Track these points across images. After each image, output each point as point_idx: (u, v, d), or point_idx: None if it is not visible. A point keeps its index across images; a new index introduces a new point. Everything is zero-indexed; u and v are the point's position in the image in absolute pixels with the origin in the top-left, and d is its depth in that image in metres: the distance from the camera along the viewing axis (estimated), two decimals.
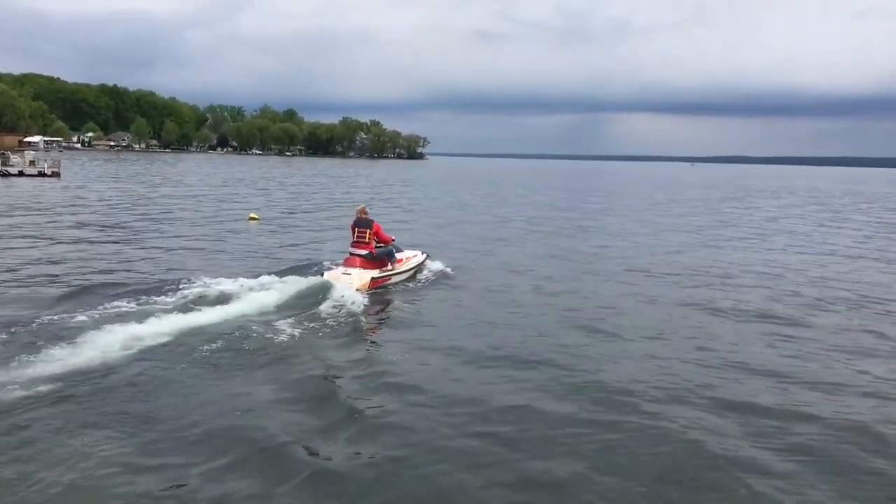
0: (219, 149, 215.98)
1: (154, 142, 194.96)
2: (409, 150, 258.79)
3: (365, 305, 12.66)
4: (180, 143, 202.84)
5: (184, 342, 9.59)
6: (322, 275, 14.02)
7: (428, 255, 16.75)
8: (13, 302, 11.61)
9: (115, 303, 11.40)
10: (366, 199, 41.45)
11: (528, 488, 6.07)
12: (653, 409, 7.79)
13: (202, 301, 11.83)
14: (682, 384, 8.72)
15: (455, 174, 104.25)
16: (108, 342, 9.30)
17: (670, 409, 7.90)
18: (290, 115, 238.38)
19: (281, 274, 14.21)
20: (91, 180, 48.79)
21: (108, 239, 19.69)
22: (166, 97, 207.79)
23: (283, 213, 30.43)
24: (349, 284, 13.48)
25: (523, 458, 6.60)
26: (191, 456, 6.41)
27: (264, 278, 13.62)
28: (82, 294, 12.11)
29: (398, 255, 15.34)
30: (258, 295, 12.40)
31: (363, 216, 14.63)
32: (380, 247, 14.64)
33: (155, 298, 11.82)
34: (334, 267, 14.61)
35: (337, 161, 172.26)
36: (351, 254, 14.47)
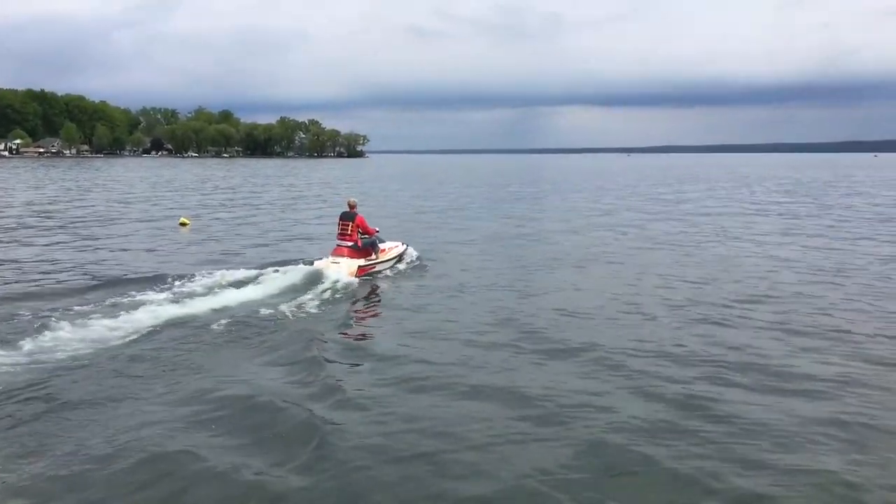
0: (153, 152, 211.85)
1: (85, 147, 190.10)
2: (349, 148, 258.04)
3: (353, 291, 13.95)
4: (113, 148, 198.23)
5: (178, 330, 10.54)
6: (312, 264, 15.17)
7: (408, 245, 18.07)
8: None
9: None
10: (301, 197, 42.17)
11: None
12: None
13: (194, 292, 12.98)
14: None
15: (394, 172, 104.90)
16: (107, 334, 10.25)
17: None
18: (226, 116, 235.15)
19: (273, 265, 15.37)
20: (15, 187, 48.07)
21: (46, 241, 20.03)
22: (96, 101, 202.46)
23: (215, 216, 30.40)
24: (338, 272, 14.60)
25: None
26: (188, 428, 7.13)
27: (255, 270, 14.85)
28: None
29: (381, 246, 16.54)
30: (251, 285, 13.62)
31: (349, 210, 15.86)
32: (364, 237, 15.86)
33: (143, 292, 12.84)
34: (323, 257, 15.69)
35: (276, 162, 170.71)
36: (338, 245, 15.65)
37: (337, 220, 16.07)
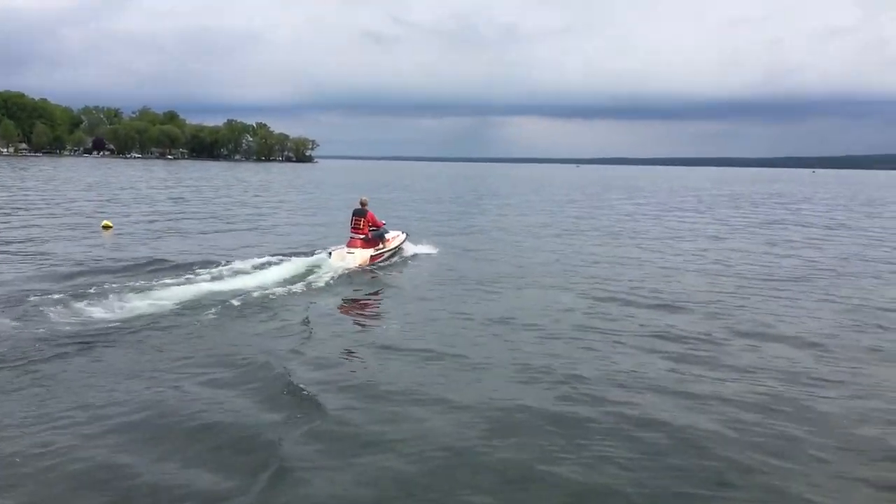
0: (95, 152, 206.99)
1: (24, 146, 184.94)
2: (298, 153, 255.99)
3: (367, 275, 16.69)
4: (53, 147, 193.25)
5: (203, 306, 12.49)
6: (330, 255, 17.39)
7: (407, 235, 20.88)
8: None
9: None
10: (238, 202, 42.07)
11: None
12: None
13: (227, 274, 15.43)
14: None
15: (341, 179, 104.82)
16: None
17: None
18: (172, 117, 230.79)
19: (294, 255, 18.10)
20: None
21: None
22: (37, 98, 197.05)
23: (143, 218, 30.12)
24: (353, 261, 17.20)
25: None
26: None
27: (279, 258, 17.51)
28: None
29: (387, 236, 19.15)
30: (275, 269, 16.03)
31: (361, 207, 18.32)
32: (373, 230, 18.37)
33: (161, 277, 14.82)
34: (339, 248, 17.89)
35: (221, 164, 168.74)
36: (352, 237, 18.08)
37: (350, 215, 18.45)
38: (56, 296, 12.76)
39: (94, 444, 7.00)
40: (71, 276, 15.50)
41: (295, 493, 6.13)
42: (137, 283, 14.14)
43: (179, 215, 32.33)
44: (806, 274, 18.52)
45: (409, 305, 14.00)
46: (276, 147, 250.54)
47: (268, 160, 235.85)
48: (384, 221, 19.26)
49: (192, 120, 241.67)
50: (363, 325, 12.46)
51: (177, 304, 12.61)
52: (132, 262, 17.35)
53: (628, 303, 14.31)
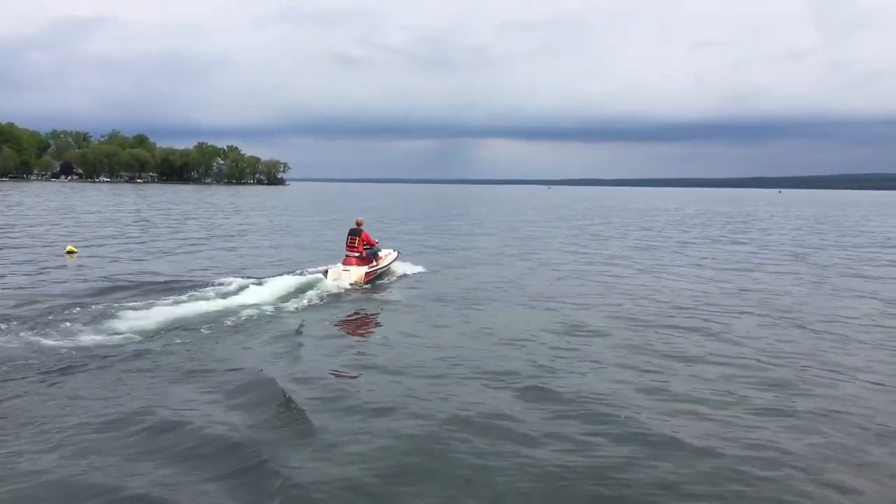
0: (63, 177, 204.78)
1: None
2: (270, 175, 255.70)
3: (361, 293, 17.39)
4: (20, 171, 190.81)
5: (211, 321, 13.11)
6: (326, 273, 18.14)
7: (399, 253, 22.11)
8: None
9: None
10: (207, 225, 41.91)
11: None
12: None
13: (225, 293, 15.92)
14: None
15: (311, 200, 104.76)
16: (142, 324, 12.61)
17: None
18: (141, 140, 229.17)
19: (291, 272, 18.70)
20: None
21: None
22: (3, 123, 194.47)
23: (108, 242, 29.84)
24: (348, 278, 18.11)
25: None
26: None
27: (272, 276, 17.96)
28: None
29: (380, 254, 20.15)
30: (272, 287, 16.24)
31: (357, 227, 19.33)
32: (367, 248, 19.26)
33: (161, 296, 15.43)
34: (336, 266, 18.81)
35: (191, 188, 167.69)
36: (347, 255, 19.03)
37: (346, 235, 19.46)
38: (21, 322, 12.69)
39: (85, 462, 7.13)
40: (36, 300, 15.29)
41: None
42: (118, 306, 14.15)
43: (146, 238, 32.19)
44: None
45: (397, 321, 14.53)
46: (248, 170, 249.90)
47: (239, 183, 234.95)
48: (377, 240, 20.20)
49: (163, 143, 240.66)
50: (356, 342, 12.81)
51: (171, 324, 12.86)
52: (104, 286, 17.28)
53: (613, 317, 14.94)
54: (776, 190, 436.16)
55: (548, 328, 13.77)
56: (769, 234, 42.44)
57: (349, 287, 17.72)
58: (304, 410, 8.50)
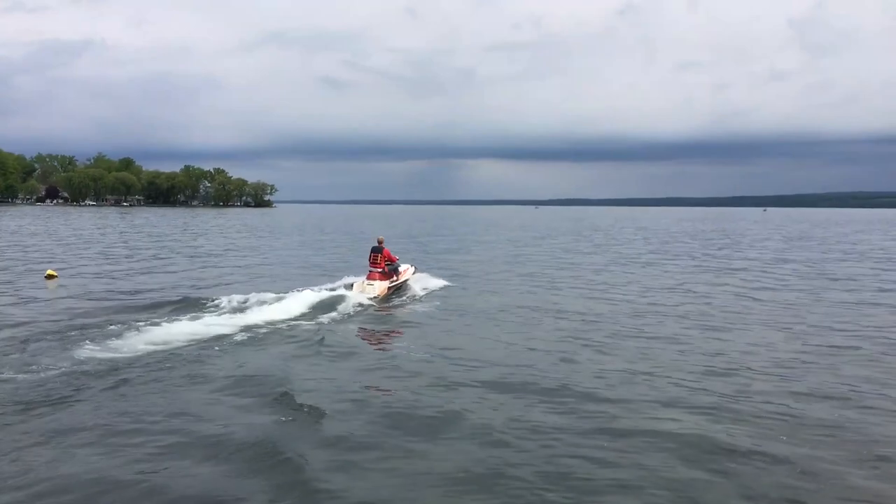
0: (48, 201, 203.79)
1: None
2: (257, 197, 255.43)
3: (382, 306, 18.71)
4: (4, 196, 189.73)
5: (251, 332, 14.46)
6: (352, 287, 19.92)
7: (416, 268, 23.71)
8: None
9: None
10: (184, 248, 41.75)
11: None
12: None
13: (250, 307, 17.08)
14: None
15: (296, 221, 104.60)
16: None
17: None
18: (127, 163, 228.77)
19: (317, 287, 20.10)
20: None
21: None
22: None
23: (91, 266, 29.48)
24: (372, 291, 19.57)
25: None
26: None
27: (302, 290, 19.10)
28: None
29: (400, 269, 21.71)
30: (299, 300, 17.56)
31: (378, 244, 20.84)
32: (388, 264, 20.86)
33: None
34: (360, 281, 20.43)
35: (177, 210, 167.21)
36: (370, 271, 20.54)
37: (369, 252, 21.00)
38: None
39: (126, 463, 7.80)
40: (24, 324, 15.48)
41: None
42: (134, 322, 15.06)
43: (128, 260, 32.03)
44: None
45: (417, 333, 15.44)
46: (235, 192, 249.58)
47: (226, 205, 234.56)
48: (397, 257, 21.94)
49: (149, 166, 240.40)
50: (379, 352, 13.71)
51: (203, 336, 13.91)
52: (110, 305, 18.06)
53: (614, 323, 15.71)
54: (761, 209, 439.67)
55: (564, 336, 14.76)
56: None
57: (372, 300, 19.12)
58: (329, 418, 9.12)
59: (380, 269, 20.54)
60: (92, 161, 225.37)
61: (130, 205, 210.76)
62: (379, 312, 18.01)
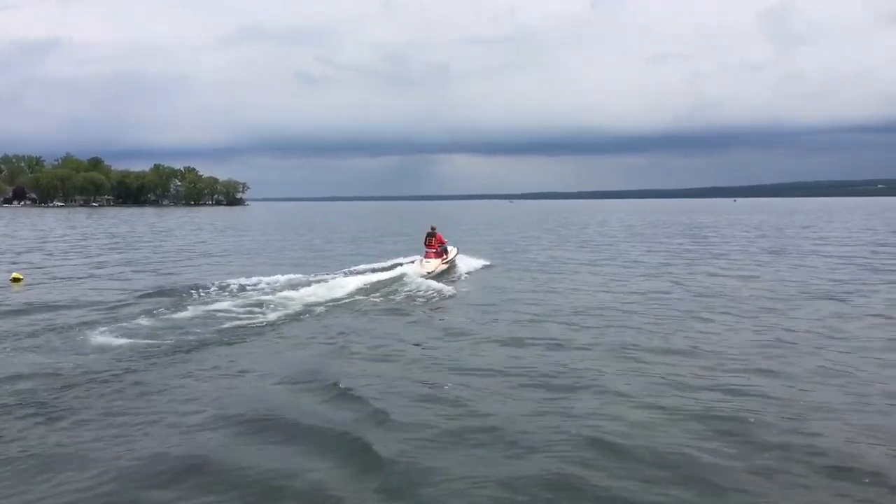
0: (15, 202, 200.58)
1: None
2: (229, 196, 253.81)
3: (438, 278, 23.31)
4: None
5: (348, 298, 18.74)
6: (414, 262, 25.42)
7: (458, 250, 28.56)
8: None
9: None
10: (147, 246, 41.33)
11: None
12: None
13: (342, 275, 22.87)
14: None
15: (266, 219, 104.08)
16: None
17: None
18: (96, 163, 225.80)
19: (387, 262, 26.48)
20: None
21: None
22: None
23: (55, 268, 28.99)
24: (429, 267, 24.49)
25: None
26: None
27: (366, 266, 25.76)
28: None
29: (448, 249, 26.97)
30: (366, 279, 22.29)
31: (431, 230, 26.38)
32: (440, 245, 26.13)
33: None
34: (419, 259, 25.43)
35: (147, 210, 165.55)
36: (427, 251, 25.67)
37: (424, 236, 26.39)
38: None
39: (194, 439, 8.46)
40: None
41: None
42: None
43: (100, 260, 31.73)
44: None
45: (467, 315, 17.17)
46: (206, 191, 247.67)
47: (197, 204, 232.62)
48: (447, 240, 27.20)
49: (120, 166, 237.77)
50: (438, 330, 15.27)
51: (292, 310, 16.97)
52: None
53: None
54: (731, 199, 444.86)
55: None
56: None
57: (429, 273, 23.75)
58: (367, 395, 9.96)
59: (434, 250, 25.67)
60: (60, 161, 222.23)
61: (100, 205, 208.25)
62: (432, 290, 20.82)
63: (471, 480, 7.17)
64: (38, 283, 24.12)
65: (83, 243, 46.60)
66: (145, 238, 53.00)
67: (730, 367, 11.59)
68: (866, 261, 29.94)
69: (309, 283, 20.79)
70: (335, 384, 10.42)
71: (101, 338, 13.49)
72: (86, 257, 35.44)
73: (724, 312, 16.94)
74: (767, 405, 9.55)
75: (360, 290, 20.08)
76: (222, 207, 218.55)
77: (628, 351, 12.90)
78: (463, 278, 24.63)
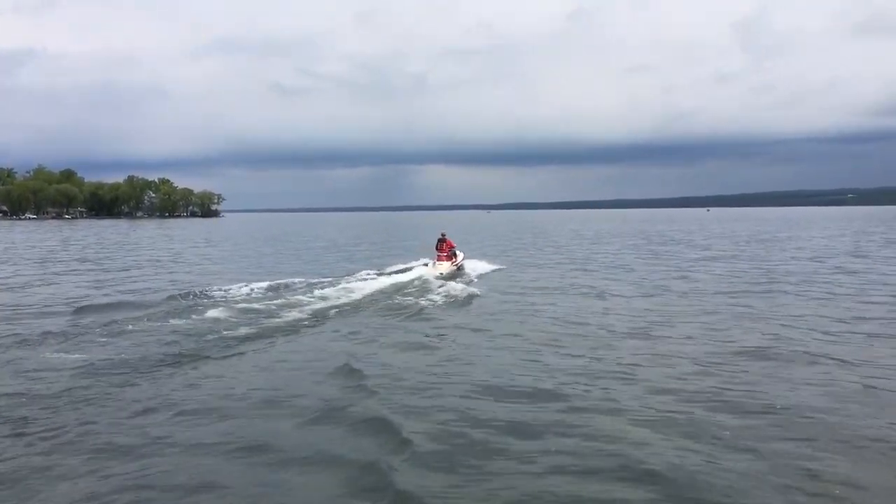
0: None
1: None
2: (204, 207, 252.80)
3: (447, 279, 25.67)
4: None
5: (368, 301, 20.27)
6: (426, 265, 28.79)
7: (465, 255, 31.31)
8: None
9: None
10: (122, 256, 41.57)
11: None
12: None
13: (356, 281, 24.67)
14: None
15: (235, 231, 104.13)
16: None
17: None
18: (69, 175, 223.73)
19: (399, 266, 30.07)
20: None
21: None
22: None
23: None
24: (441, 269, 27.44)
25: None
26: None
27: (381, 272, 28.01)
28: None
29: (457, 253, 29.62)
30: (388, 278, 25.50)
31: (442, 236, 29.50)
32: (450, 250, 29.01)
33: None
34: (431, 262, 28.84)
35: (121, 222, 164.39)
36: (438, 255, 28.85)
37: (436, 241, 29.61)
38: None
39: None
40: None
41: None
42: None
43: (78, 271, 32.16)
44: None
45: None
46: (181, 202, 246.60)
47: (171, 216, 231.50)
48: (455, 244, 30.10)
49: (93, 177, 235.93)
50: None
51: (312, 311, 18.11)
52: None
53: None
54: (705, 209, 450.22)
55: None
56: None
57: (441, 275, 26.48)
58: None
59: (444, 254, 28.78)
60: (32, 173, 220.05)
61: (73, 217, 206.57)
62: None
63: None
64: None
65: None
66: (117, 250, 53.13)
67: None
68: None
69: (324, 286, 22.87)
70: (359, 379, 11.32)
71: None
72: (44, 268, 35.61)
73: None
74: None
75: (379, 292, 22.11)
76: (196, 219, 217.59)
77: (668, 359, 12.86)
78: (475, 280, 26.75)
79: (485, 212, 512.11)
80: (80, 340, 14.39)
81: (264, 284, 23.13)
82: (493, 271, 30.31)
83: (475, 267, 30.53)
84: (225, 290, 21.87)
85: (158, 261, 40.06)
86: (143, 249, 52.82)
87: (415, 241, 60.32)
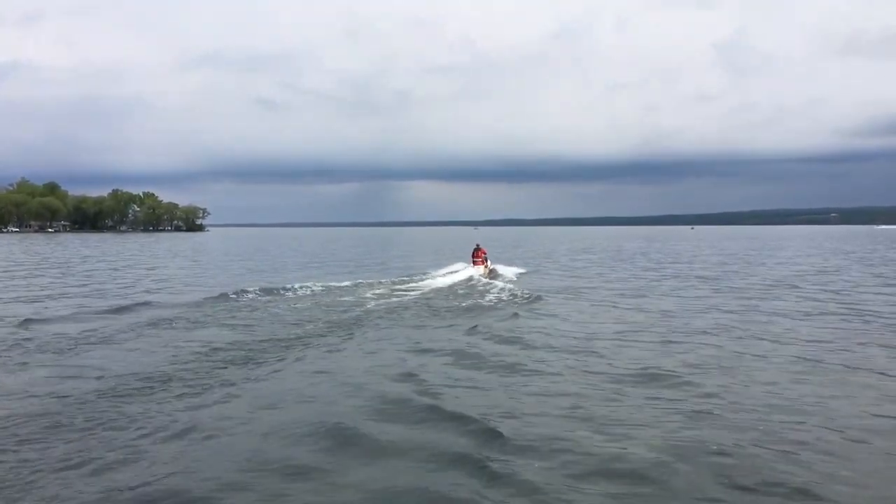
0: None
1: None
2: (188, 221, 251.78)
3: (485, 281, 30.53)
4: None
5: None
6: (466, 268, 34.11)
7: (492, 261, 36.93)
8: None
9: None
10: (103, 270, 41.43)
11: None
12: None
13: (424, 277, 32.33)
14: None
15: (217, 246, 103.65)
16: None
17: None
18: (52, 188, 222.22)
19: (450, 268, 35.39)
20: None
21: None
22: None
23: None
24: (478, 272, 32.86)
25: None
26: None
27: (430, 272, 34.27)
28: None
29: (488, 259, 35.90)
30: (434, 280, 30.77)
31: (477, 246, 36.77)
32: (484, 255, 35.49)
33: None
34: (471, 265, 34.50)
35: (104, 236, 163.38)
36: (474, 261, 34.94)
37: (473, 249, 36.45)
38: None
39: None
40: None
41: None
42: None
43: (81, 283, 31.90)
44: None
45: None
46: (165, 216, 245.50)
47: (156, 230, 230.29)
48: (486, 251, 36.94)
49: (78, 191, 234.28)
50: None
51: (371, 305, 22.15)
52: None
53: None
54: (689, 227, 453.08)
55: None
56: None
57: (482, 275, 32.26)
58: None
59: (480, 259, 34.95)
60: (14, 186, 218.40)
61: (56, 230, 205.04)
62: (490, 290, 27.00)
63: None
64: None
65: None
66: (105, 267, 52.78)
67: None
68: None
69: (378, 286, 27.89)
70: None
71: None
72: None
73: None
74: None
75: (436, 291, 26.66)
76: (180, 233, 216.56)
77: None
78: (515, 279, 33.11)
79: (473, 228, 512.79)
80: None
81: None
82: (521, 274, 36.11)
83: (504, 271, 35.83)
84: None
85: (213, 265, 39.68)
86: (162, 264, 52.35)
87: (429, 256, 60.15)
